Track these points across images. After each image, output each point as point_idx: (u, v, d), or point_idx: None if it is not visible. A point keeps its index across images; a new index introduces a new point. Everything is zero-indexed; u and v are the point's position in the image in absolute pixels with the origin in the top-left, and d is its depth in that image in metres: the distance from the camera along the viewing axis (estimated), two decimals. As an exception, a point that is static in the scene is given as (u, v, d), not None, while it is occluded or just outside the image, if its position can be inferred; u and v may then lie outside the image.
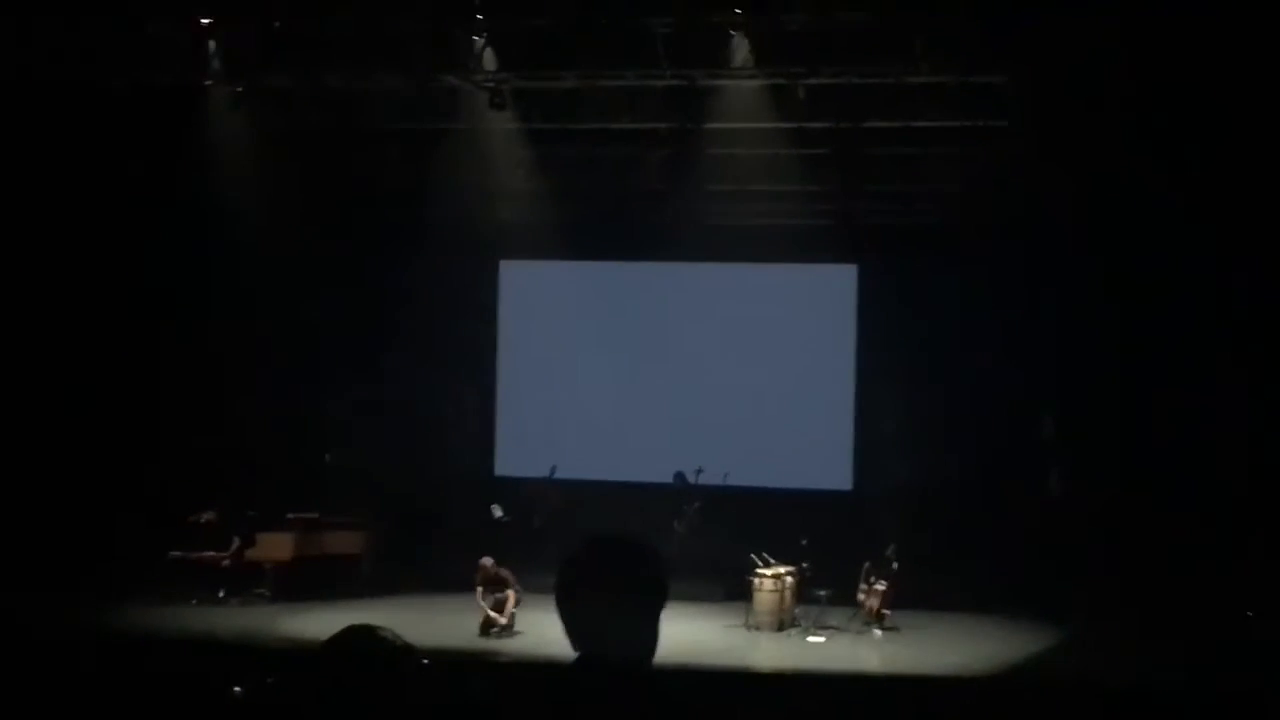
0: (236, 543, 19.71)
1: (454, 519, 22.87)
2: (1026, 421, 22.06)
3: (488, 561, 18.16)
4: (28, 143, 18.36)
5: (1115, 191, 18.40)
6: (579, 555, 3.58)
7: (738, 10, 16.43)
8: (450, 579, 20.30)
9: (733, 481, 21.90)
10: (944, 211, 21.39)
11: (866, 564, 18.76)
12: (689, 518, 21.76)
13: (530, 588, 17.78)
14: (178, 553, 19.41)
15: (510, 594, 17.83)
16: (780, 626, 18.47)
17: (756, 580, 18.57)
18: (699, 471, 22.13)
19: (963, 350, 21.68)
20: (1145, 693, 13.06)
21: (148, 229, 19.63)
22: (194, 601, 19.10)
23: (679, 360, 23.51)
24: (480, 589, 18.00)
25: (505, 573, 18.02)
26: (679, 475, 22.41)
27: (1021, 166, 19.21)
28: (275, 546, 19.96)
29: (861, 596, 18.72)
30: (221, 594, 19.48)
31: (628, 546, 3.56)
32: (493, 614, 17.72)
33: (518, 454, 24.10)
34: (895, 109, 17.82)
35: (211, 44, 17.53)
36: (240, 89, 18.13)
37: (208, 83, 18.05)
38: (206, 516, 19.71)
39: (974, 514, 20.95)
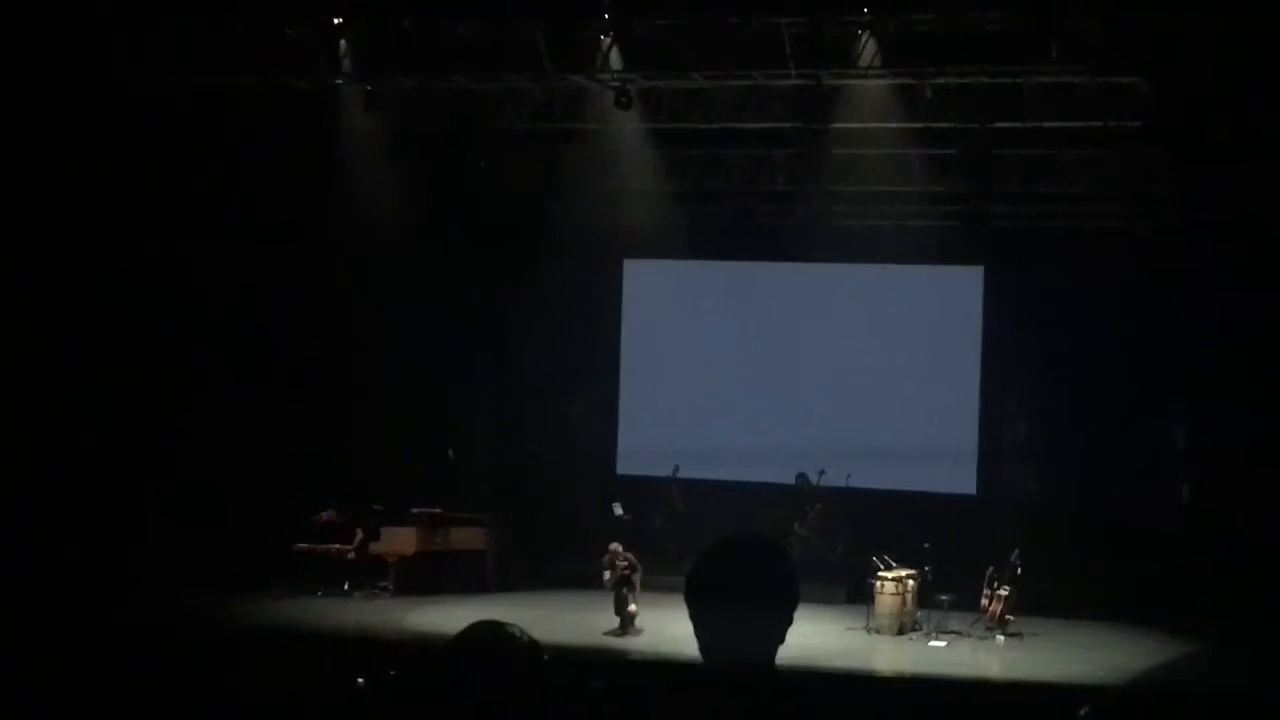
0: (360, 536, 19.96)
1: (576, 517, 23.00)
2: (1155, 428, 21.70)
3: (616, 547, 18.30)
4: (164, 144, 18.71)
5: (1250, 195, 18.01)
6: (711, 555, 3.54)
7: (865, 10, 16.32)
8: (571, 576, 20.44)
9: (855, 483, 21.79)
10: (1073, 214, 21.09)
11: (990, 569, 18.55)
12: (810, 521, 21.69)
13: (652, 586, 17.85)
14: (304, 545, 19.71)
15: (635, 580, 18.00)
16: (901, 630, 18.33)
17: (878, 583, 18.45)
18: (821, 473, 22.05)
19: (1090, 355, 21.38)
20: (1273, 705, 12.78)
21: (277, 227, 19.91)
22: (319, 594, 19.38)
23: (802, 361, 23.42)
24: (606, 573, 18.15)
25: (630, 557, 18.18)
26: (801, 476, 22.33)
27: (1154, 169, 18.90)
28: (399, 541, 20.18)
29: (985, 602, 18.51)
30: (346, 587, 19.75)
31: (760, 546, 3.53)
32: (627, 605, 17.90)
33: (640, 453, 24.13)
34: (1024, 109, 17.61)
35: (343, 44, 17.75)
36: (370, 89, 18.34)
37: (339, 83, 18.28)
38: (326, 515, 19.98)
39: (1100, 520, 20.66)
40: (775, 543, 3.56)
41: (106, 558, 18.03)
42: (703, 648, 3.45)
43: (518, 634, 3.71)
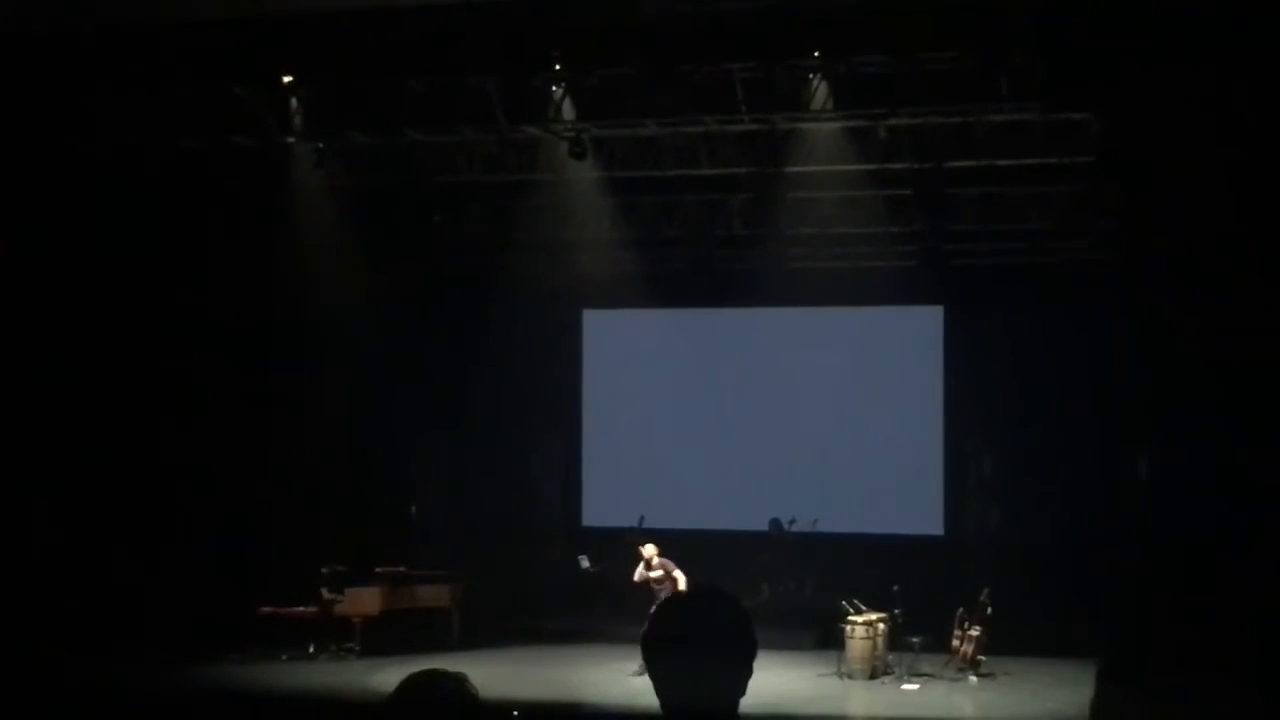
0: (324, 597, 19.76)
1: (541, 570, 22.86)
2: (1119, 462, 21.71)
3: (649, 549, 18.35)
4: (118, 207, 18.62)
5: (1205, 226, 18.09)
6: (665, 607, 3.52)
7: (816, 54, 16.36)
8: (537, 631, 20.26)
9: (822, 527, 21.71)
10: (1030, 250, 21.15)
11: (960, 609, 18.47)
12: (775, 588, 21.79)
13: (618, 638, 17.71)
14: (268, 608, 19.48)
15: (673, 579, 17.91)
16: (873, 674, 18.21)
17: (848, 627, 18.34)
18: (792, 521, 21.99)
19: (1052, 390, 21.40)
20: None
21: (232, 288, 19.80)
22: (284, 657, 19.15)
23: (766, 406, 23.35)
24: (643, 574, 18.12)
25: (666, 562, 18.15)
26: (774, 522, 22.23)
27: (1108, 202, 18.98)
28: (363, 601, 19.97)
29: (956, 642, 18.43)
30: (311, 649, 19.52)
31: (713, 598, 3.50)
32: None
33: (605, 504, 24.00)
34: (977, 147, 17.66)
35: (293, 102, 17.70)
36: (321, 146, 18.28)
37: (290, 140, 18.20)
38: (328, 570, 19.86)
39: (1068, 556, 20.62)
40: (729, 594, 3.54)
41: (69, 623, 17.83)
42: (663, 701, 3.41)
43: (454, 678, 3.75)
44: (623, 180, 19.51)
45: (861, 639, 18.29)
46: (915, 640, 18.35)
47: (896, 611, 18.47)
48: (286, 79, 17.38)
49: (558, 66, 16.87)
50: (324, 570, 19.85)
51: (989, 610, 18.33)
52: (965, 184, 19.48)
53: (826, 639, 19.17)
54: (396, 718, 3.71)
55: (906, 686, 17.84)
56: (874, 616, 18.41)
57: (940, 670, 18.28)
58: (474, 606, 20.90)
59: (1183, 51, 15.22)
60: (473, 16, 15.85)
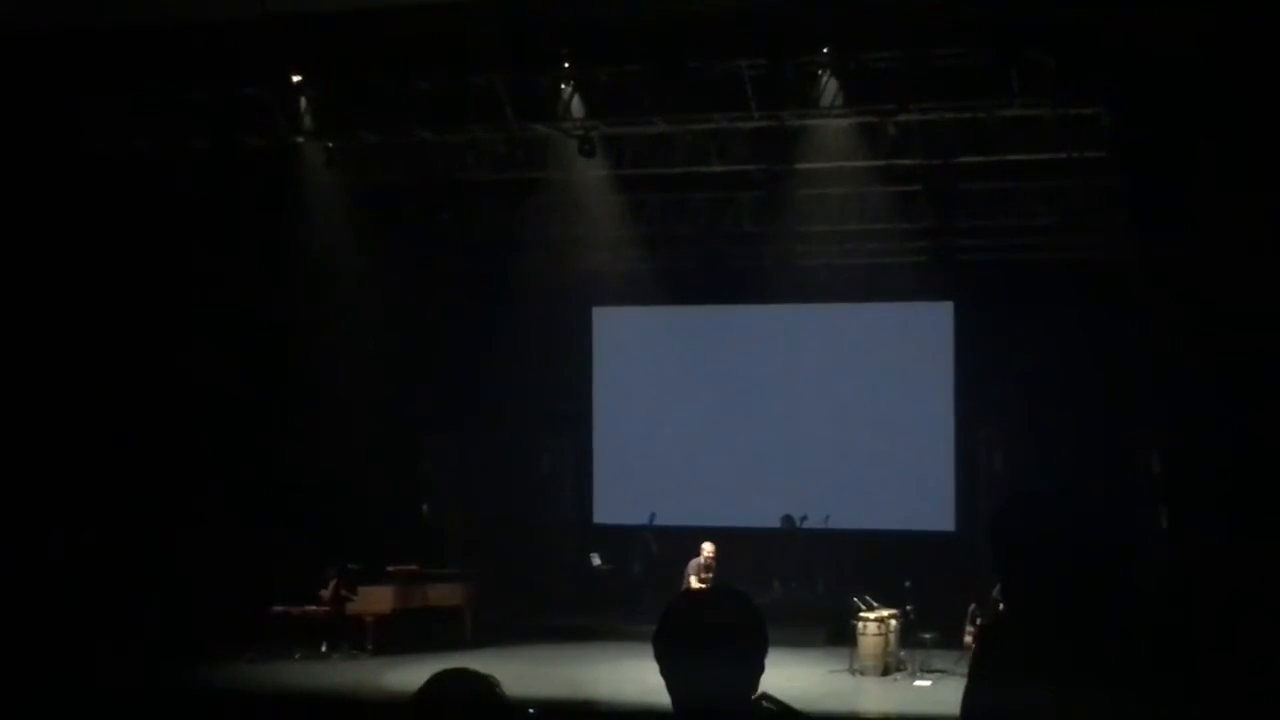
0: (336, 596, 19.78)
1: (553, 568, 22.86)
2: (1131, 455, 21.67)
3: (708, 547, 18.21)
4: (125, 208, 18.62)
5: (1216, 222, 18.03)
6: (676, 605, 3.54)
7: (825, 50, 16.32)
8: (551, 629, 20.24)
9: (834, 524, 21.70)
10: (1041, 246, 21.12)
11: (972, 605, 18.41)
12: (786, 584, 21.82)
13: (629, 636, 17.70)
14: (280, 608, 19.51)
15: None
16: (885, 670, 18.20)
17: (860, 624, 18.33)
18: (803, 518, 21.98)
19: (1062, 385, 21.36)
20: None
21: (241, 288, 19.80)
22: (297, 656, 19.18)
23: (776, 403, 23.35)
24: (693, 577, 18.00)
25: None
26: (786, 519, 22.24)
27: (1119, 198, 18.93)
28: (376, 599, 20.00)
29: (968, 639, 18.38)
30: (324, 648, 19.55)
31: (724, 595, 3.51)
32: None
33: (616, 501, 24.02)
34: (987, 143, 17.62)
35: (302, 101, 17.69)
36: (330, 145, 18.28)
37: (299, 140, 18.21)
38: (332, 581, 19.86)
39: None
40: (740, 591, 3.55)
41: (83, 622, 17.87)
42: (675, 698, 3.42)
43: (484, 680, 3.73)
44: (632, 178, 19.49)
45: (873, 635, 18.28)
46: (927, 636, 18.34)
47: (908, 608, 18.47)
48: (295, 78, 17.38)
49: (566, 64, 16.84)
50: (330, 572, 19.86)
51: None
52: (975, 179, 19.44)
53: (838, 635, 19.15)
54: (425, 716, 3.67)
55: (919, 683, 17.83)
56: (886, 613, 18.40)
57: (953, 666, 18.23)
58: (486, 605, 20.93)
59: (1193, 47, 15.18)
60: (481, 15, 15.83)
